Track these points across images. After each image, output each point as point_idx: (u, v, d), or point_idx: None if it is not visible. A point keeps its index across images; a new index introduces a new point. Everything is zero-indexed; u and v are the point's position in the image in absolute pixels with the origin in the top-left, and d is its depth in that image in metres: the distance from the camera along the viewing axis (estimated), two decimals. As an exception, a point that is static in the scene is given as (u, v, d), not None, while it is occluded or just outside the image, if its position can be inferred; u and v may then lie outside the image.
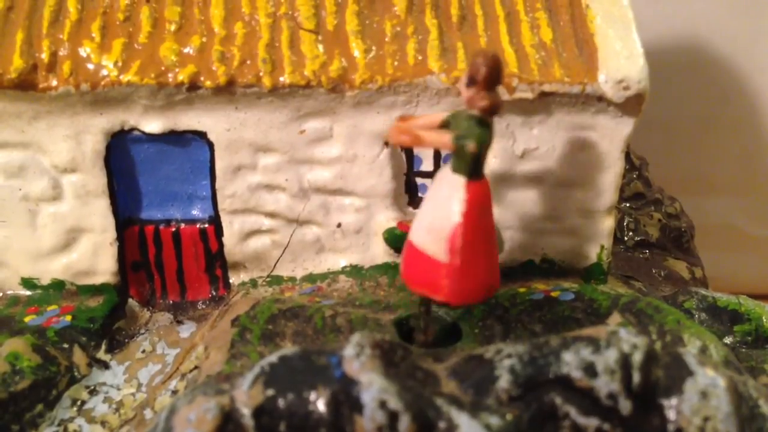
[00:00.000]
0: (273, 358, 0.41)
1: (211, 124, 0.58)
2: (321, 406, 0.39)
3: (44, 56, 0.55)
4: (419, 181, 0.62)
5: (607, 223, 0.62)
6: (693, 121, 1.09)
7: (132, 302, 0.63)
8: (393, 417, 0.37)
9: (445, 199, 0.47)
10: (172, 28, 0.57)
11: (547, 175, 0.60)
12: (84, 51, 0.55)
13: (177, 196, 0.62)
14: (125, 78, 0.55)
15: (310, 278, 0.64)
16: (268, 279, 0.64)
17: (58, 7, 0.57)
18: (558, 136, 0.59)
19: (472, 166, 0.46)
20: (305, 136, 0.59)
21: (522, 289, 0.60)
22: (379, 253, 0.63)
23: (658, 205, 0.86)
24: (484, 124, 0.46)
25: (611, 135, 0.59)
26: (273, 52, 0.57)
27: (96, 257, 0.61)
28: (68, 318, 0.59)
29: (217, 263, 0.64)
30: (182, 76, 0.55)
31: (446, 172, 0.47)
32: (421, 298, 0.51)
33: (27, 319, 0.58)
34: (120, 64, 0.55)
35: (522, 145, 0.59)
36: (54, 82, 0.55)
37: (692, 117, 1.09)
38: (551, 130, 0.59)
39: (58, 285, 0.62)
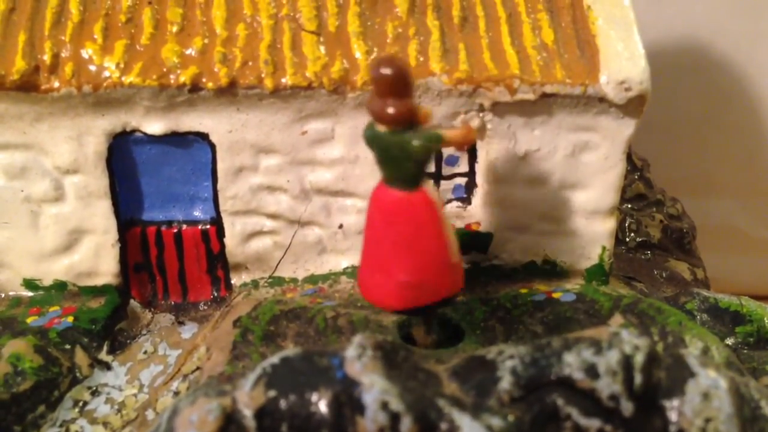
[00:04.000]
0: (275, 359, 0.41)
1: (213, 125, 0.58)
2: (323, 407, 0.39)
3: (46, 58, 0.55)
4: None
5: (609, 225, 0.62)
6: (695, 122, 1.09)
7: (134, 303, 0.63)
8: (395, 418, 0.37)
9: None
10: (174, 29, 0.57)
11: (548, 177, 0.60)
12: (86, 52, 0.56)
13: (179, 197, 0.62)
14: (127, 79, 0.55)
15: (312, 279, 0.64)
16: (270, 280, 0.64)
17: (60, 8, 0.57)
18: (559, 138, 0.59)
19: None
20: (307, 137, 0.59)
21: (524, 290, 0.60)
22: (380, 254, 0.63)
23: (659, 206, 0.86)
24: (368, 124, 0.47)
25: (613, 136, 0.59)
26: (275, 53, 0.57)
27: (98, 258, 0.61)
28: (70, 319, 0.59)
29: (218, 264, 0.64)
30: (184, 77, 0.55)
31: None
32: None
33: (29, 320, 0.58)
34: (122, 65, 0.55)
35: (524, 146, 0.59)
36: (56, 84, 0.55)
37: (694, 118, 1.09)
38: (553, 131, 0.59)
39: (60, 286, 0.62)
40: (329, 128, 0.59)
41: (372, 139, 0.47)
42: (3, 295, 0.62)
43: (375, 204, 0.48)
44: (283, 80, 0.56)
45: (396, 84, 0.44)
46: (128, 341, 0.60)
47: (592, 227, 0.62)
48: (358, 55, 0.57)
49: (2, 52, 0.55)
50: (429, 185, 0.48)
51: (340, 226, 0.62)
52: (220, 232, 0.62)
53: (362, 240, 0.50)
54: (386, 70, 0.44)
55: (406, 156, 0.46)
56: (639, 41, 0.57)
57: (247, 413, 0.39)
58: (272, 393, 0.39)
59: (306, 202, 0.61)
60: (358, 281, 0.52)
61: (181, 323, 0.62)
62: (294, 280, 0.64)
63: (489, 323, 0.56)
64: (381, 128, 0.46)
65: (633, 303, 0.56)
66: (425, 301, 0.49)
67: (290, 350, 0.42)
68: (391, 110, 0.45)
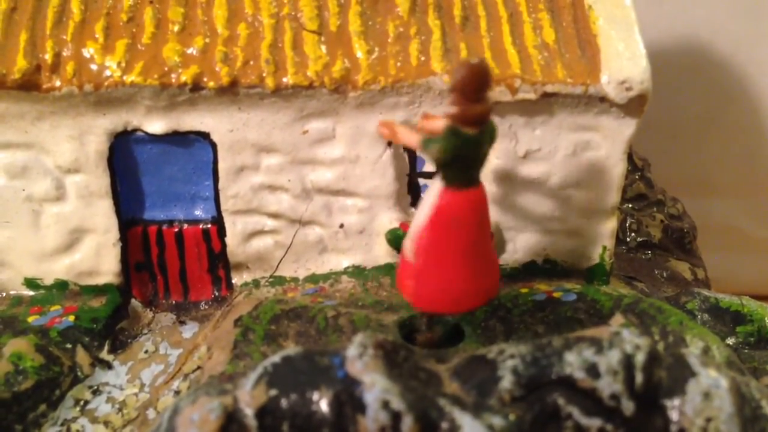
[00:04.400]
0: (276, 358, 0.42)
1: (214, 124, 0.58)
2: (324, 406, 0.39)
3: (48, 57, 0.55)
4: (422, 181, 0.62)
5: (610, 224, 0.62)
6: (695, 122, 1.09)
7: (135, 303, 0.63)
8: (396, 417, 0.38)
9: (424, 202, 0.48)
10: (176, 28, 0.57)
11: (549, 176, 0.60)
12: (87, 52, 0.56)
13: (180, 196, 0.62)
14: (128, 79, 0.55)
15: (313, 279, 0.64)
16: (271, 279, 0.64)
17: (61, 8, 0.57)
18: (560, 137, 0.59)
19: (444, 173, 0.46)
20: (308, 136, 0.59)
21: (524, 290, 0.60)
22: (381, 253, 0.63)
23: (660, 206, 0.86)
24: (453, 132, 0.45)
25: (614, 136, 0.59)
26: (276, 52, 0.57)
27: (99, 258, 0.61)
28: (71, 318, 0.59)
29: (219, 264, 0.64)
30: (185, 76, 0.55)
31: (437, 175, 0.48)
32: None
33: (30, 320, 0.58)
34: (123, 64, 0.55)
35: (524, 145, 0.59)
36: (57, 83, 0.55)
37: (695, 118, 1.09)
38: (554, 130, 0.59)
39: (61, 285, 0.62)
40: (330, 128, 0.59)
41: (461, 145, 0.45)
42: (4, 294, 0.62)
43: (472, 209, 0.47)
44: (285, 79, 0.56)
45: (488, 84, 0.45)
46: (129, 340, 0.60)
47: (593, 227, 0.62)
48: (359, 54, 0.57)
49: (4, 51, 0.55)
50: None
51: (341, 226, 0.62)
52: (221, 232, 0.62)
53: (445, 259, 0.47)
54: (479, 71, 0.44)
55: (490, 150, 0.47)
56: (640, 41, 0.57)
57: (249, 412, 0.39)
58: (273, 392, 0.39)
59: (307, 201, 0.61)
60: (451, 300, 0.48)
61: (182, 322, 0.62)
62: (295, 280, 0.64)
63: (490, 323, 0.56)
64: (471, 131, 0.45)
65: (634, 303, 0.56)
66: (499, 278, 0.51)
67: (291, 349, 0.42)
68: (488, 109, 0.45)
